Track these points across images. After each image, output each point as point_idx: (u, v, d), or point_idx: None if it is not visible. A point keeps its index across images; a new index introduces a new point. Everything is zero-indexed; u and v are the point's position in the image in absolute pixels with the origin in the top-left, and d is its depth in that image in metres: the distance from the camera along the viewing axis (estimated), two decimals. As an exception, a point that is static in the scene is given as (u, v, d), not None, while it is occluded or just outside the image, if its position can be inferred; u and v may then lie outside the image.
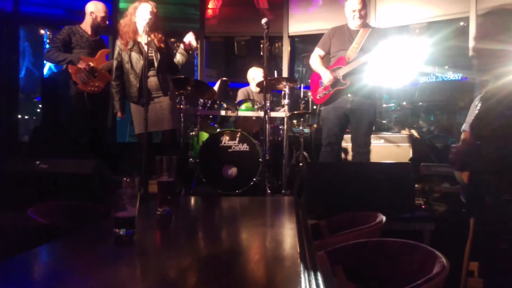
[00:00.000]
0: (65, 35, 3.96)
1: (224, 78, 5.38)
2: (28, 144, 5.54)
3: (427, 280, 1.01)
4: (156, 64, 3.50)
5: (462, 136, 3.25)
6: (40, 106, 6.91)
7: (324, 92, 3.65)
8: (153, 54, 3.49)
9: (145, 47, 3.33)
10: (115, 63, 3.57)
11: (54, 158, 3.34)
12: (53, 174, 3.17)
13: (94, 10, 4.03)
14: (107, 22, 4.16)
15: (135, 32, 3.49)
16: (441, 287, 1.03)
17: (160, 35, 3.56)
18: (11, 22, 5.53)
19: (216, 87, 5.26)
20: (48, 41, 8.16)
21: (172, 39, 3.70)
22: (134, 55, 3.49)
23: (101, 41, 4.21)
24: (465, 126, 3.24)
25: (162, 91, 3.54)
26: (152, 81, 3.51)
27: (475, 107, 3.18)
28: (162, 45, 3.56)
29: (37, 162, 3.24)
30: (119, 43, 3.56)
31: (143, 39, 3.45)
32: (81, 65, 3.84)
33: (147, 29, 3.25)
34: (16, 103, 5.75)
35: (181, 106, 3.99)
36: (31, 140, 5.49)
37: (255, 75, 5.15)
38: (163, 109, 3.54)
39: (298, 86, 4.68)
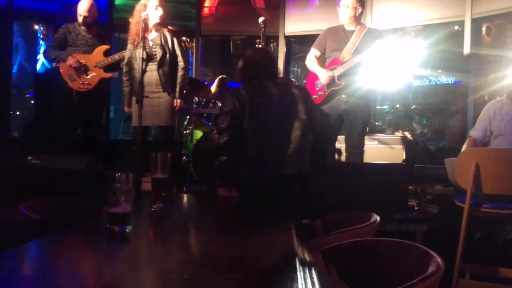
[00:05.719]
0: (61, 34, 3.95)
1: (223, 76, 5.36)
2: (20, 140, 5.49)
3: (422, 279, 1.01)
4: (157, 59, 3.51)
5: (467, 142, 3.23)
6: (32, 101, 6.85)
7: (320, 93, 3.65)
8: (156, 50, 3.52)
9: (150, 43, 3.45)
10: (125, 59, 3.64)
11: (46, 153, 3.31)
12: (45, 170, 3.14)
13: (80, 11, 3.97)
14: (96, 17, 4.09)
15: (144, 29, 3.47)
16: (436, 287, 1.03)
17: (167, 30, 3.59)
18: (5, 16, 5.46)
19: (214, 85, 5.24)
20: (41, 36, 8.08)
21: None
22: (139, 51, 3.49)
23: (101, 37, 4.10)
24: (473, 132, 3.23)
25: (161, 87, 3.53)
26: (153, 75, 3.52)
27: (491, 116, 3.16)
28: (168, 41, 3.57)
29: (29, 158, 3.20)
30: (129, 40, 3.61)
31: (151, 34, 3.54)
32: (69, 61, 3.80)
33: (158, 24, 3.46)
34: (8, 98, 5.70)
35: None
36: (23, 135, 5.44)
37: None
38: (161, 105, 3.54)
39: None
